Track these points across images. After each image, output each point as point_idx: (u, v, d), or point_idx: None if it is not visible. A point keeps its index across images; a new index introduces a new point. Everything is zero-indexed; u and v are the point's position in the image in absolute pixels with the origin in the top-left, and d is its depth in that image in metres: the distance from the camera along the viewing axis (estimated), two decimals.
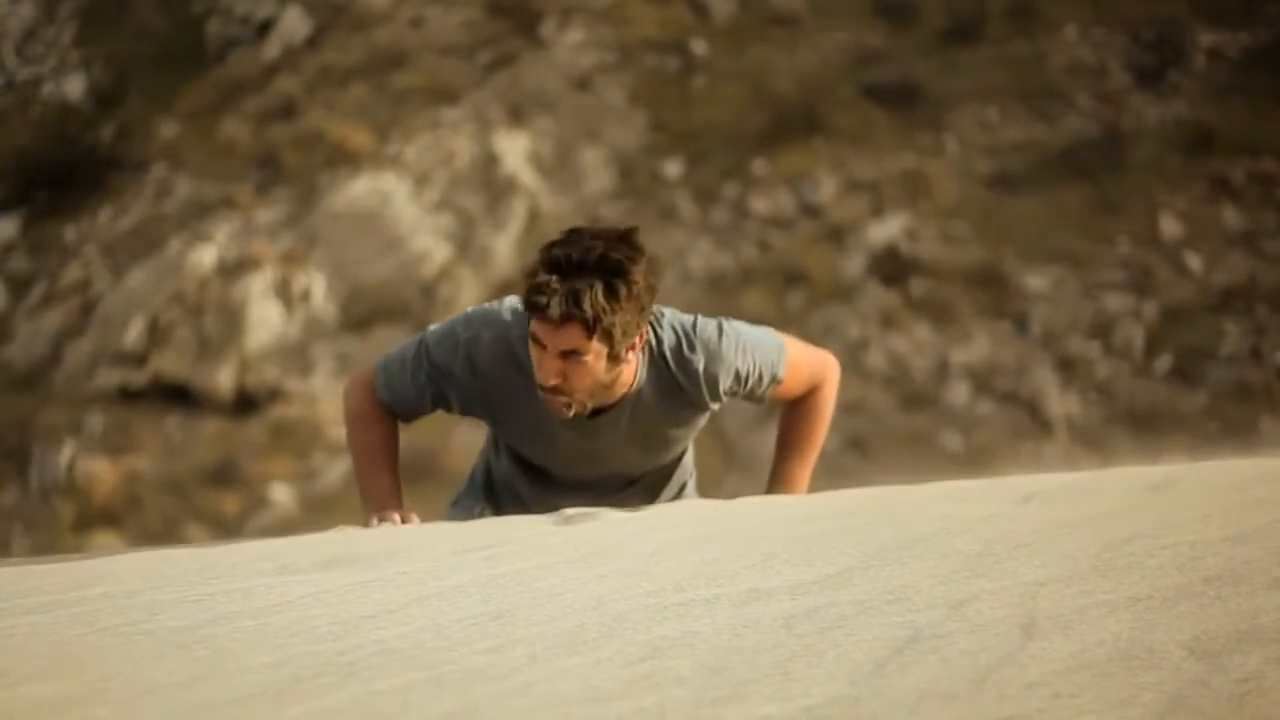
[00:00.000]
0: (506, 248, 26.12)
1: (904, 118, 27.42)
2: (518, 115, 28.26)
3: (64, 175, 28.98)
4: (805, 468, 4.65)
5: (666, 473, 4.60)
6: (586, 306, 3.99)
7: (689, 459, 4.69)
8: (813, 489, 4.65)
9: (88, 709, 2.42)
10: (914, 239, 26.07)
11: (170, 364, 26.11)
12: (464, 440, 20.33)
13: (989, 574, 3.00)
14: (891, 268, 25.76)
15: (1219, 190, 26.11)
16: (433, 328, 4.41)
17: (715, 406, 4.41)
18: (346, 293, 26.59)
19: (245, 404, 25.67)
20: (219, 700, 2.46)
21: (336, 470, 23.93)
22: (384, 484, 4.39)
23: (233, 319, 26.32)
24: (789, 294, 25.58)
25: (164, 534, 22.37)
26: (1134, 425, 23.61)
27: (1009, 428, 23.91)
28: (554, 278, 4.00)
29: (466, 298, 25.07)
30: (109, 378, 26.17)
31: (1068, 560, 3.06)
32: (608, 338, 4.05)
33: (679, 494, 4.66)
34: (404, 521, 4.28)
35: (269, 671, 2.61)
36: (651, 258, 4.11)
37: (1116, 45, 28.03)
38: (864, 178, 26.89)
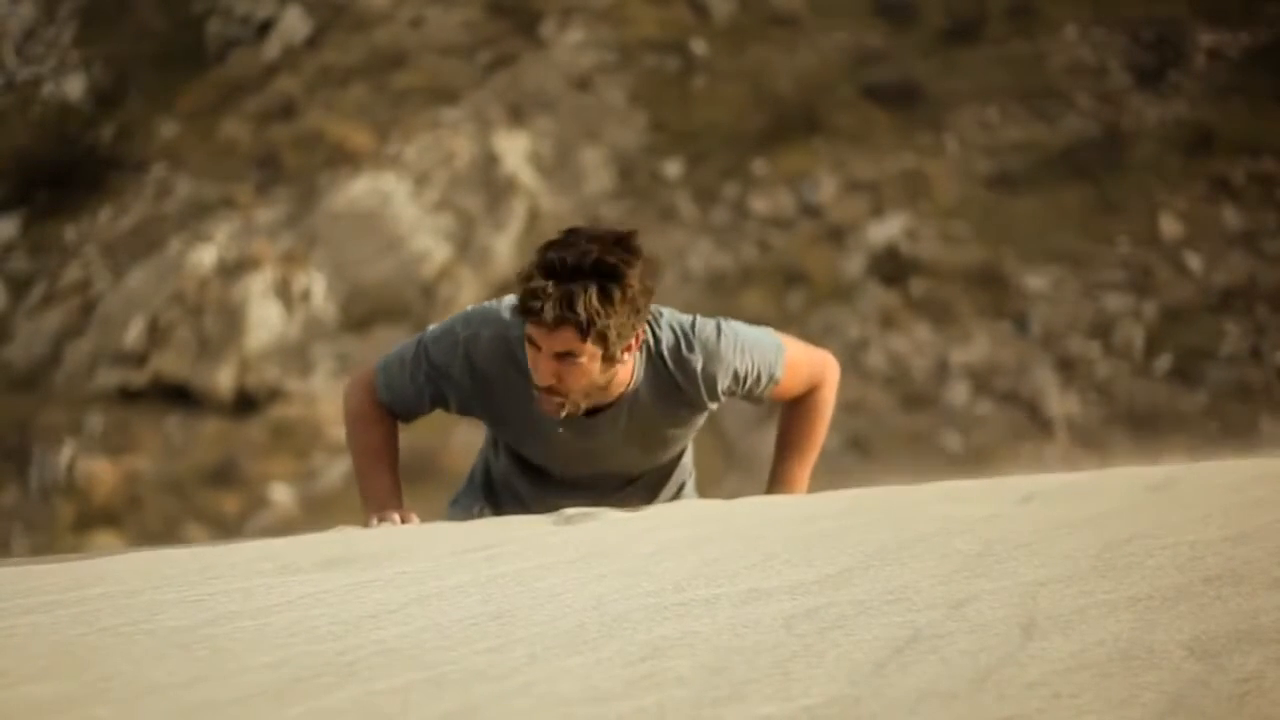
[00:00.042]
0: (506, 248, 26.13)
1: (904, 118, 27.42)
2: (518, 115, 28.27)
3: (64, 175, 28.98)
4: (805, 467, 4.65)
5: (665, 472, 4.60)
6: (580, 310, 4.00)
7: (688, 458, 4.69)
8: (813, 489, 4.65)
9: (88, 709, 2.42)
10: (914, 239, 26.07)
11: (170, 364, 26.12)
12: (464, 440, 20.33)
13: (989, 574, 3.00)
14: (891, 268, 25.77)
15: (1219, 190, 26.12)
16: (431, 327, 4.42)
17: (713, 406, 4.41)
18: (346, 293, 26.59)
19: (245, 404, 25.67)
20: (219, 700, 2.46)
21: (336, 470, 23.93)
22: (384, 484, 4.39)
23: (233, 319, 26.32)
24: (789, 294, 25.59)
25: (164, 534, 22.37)
26: (1134, 425, 23.61)
27: (1009, 428, 23.91)
28: (549, 282, 4.01)
29: (466, 298, 25.07)
30: (109, 378, 26.17)
31: (1068, 560, 3.06)
32: (602, 340, 4.06)
33: (678, 493, 4.66)
34: (404, 521, 4.28)
35: (269, 671, 2.61)
36: (648, 260, 4.11)
37: (1116, 45, 28.03)
38: (864, 178, 26.89)
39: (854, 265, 25.96)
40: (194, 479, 24.77)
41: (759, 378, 4.41)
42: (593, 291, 4.01)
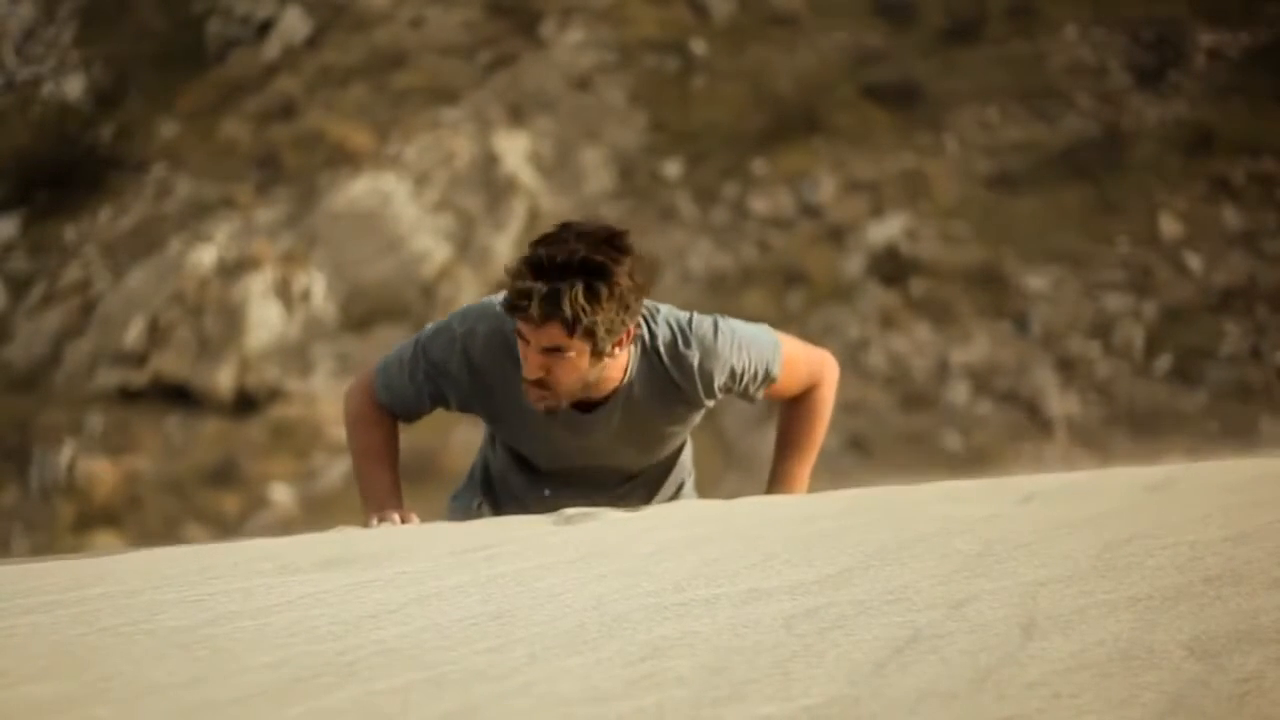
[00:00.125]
0: (506, 248, 26.13)
1: (904, 118, 27.42)
2: (518, 115, 28.27)
3: (64, 175, 28.98)
4: (805, 467, 4.65)
5: (663, 470, 4.59)
6: (566, 307, 4.02)
7: (687, 458, 4.68)
8: (813, 489, 4.64)
9: (88, 709, 2.42)
10: (914, 239, 26.07)
11: (170, 364, 26.12)
12: (464, 440, 20.33)
13: (989, 574, 3.00)
14: (891, 268, 25.76)
15: (1219, 190, 26.12)
16: (428, 326, 4.43)
17: (710, 404, 4.41)
18: (346, 293, 26.59)
19: (245, 404, 25.68)
20: (219, 700, 2.46)
21: (336, 470, 23.93)
22: (384, 484, 4.40)
23: (233, 319, 26.32)
24: (789, 294, 25.59)
25: (164, 534, 22.37)
26: (1134, 425, 23.61)
27: (1009, 428, 23.91)
28: (536, 280, 4.03)
29: (466, 298, 25.07)
30: (109, 378, 26.17)
31: (1068, 560, 3.06)
32: (590, 336, 4.08)
33: (677, 493, 4.66)
34: (404, 521, 4.29)
35: (269, 671, 2.61)
36: (640, 256, 4.13)
37: (1116, 45, 28.03)
38: (864, 178, 26.89)
39: (854, 265, 25.96)
40: (194, 479, 24.77)
41: (756, 375, 4.41)
42: (579, 289, 4.03)
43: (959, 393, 24.36)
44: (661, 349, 4.32)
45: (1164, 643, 2.53)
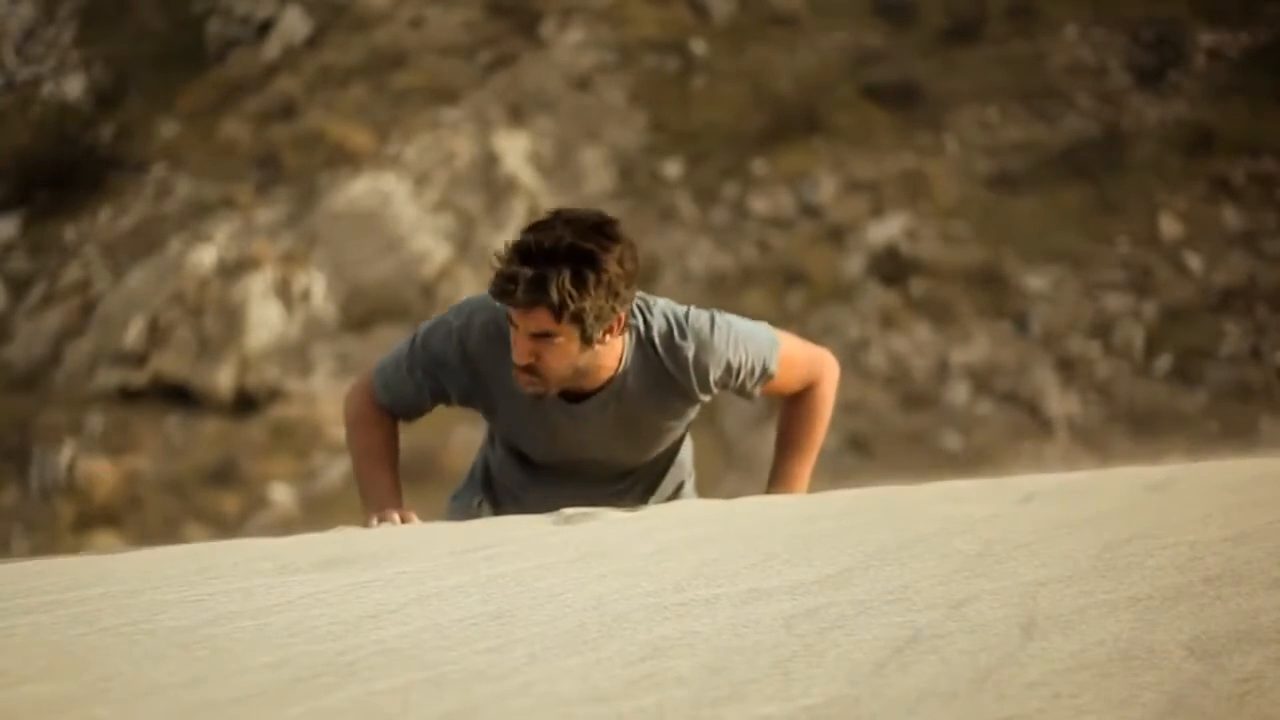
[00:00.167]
0: None
1: (904, 118, 27.42)
2: (518, 115, 28.27)
3: (64, 175, 28.98)
4: (805, 467, 4.64)
5: (661, 469, 4.58)
6: (552, 292, 4.04)
7: (687, 459, 4.68)
8: (813, 489, 4.64)
9: (88, 709, 2.42)
10: (914, 239, 26.07)
11: (170, 364, 26.12)
12: (464, 439, 20.34)
13: (989, 574, 3.00)
14: (891, 268, 25.77)
15: (1219, 190, 26.12)
16: (425, 324, 4.45)
17: (705, 398, 4.40)
18: (346, 293, 26.60)
19: (245, 404, 25.68)
20: (219, 700, 2.46)
21: (336, 470, 23.94)
22: (384, 484, 4.40)
23: (233, 319, 26.33)
24: (789, 294, 25.59)
25: (164, 534, 22.37)
26: (1134, 425, 23.61)
27: (1009, 428, 23.91)
28: (523, 265, 4.05)
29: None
30: (109, 378, 26.18)
31: (1068, 560, 3.06)
32: (577, 322, 4.09)
33: (676, 493, 4.65)
34: (404, 521, 4.29)
35: (269, 671, 2.61)
36: (629, 244, 4.14)
37: (1116, 45, 28.03)
38: (864, 178, 26.89)
39: (854, 265, 25.97)
40: (194, 479, 24.78)
41: (753, 370, 4.41)
42: (566, 275, 4.04)
43: (959, 393, 24.36)
44: (657, 340, 4.32)
45: (1164, 643, 2.53)
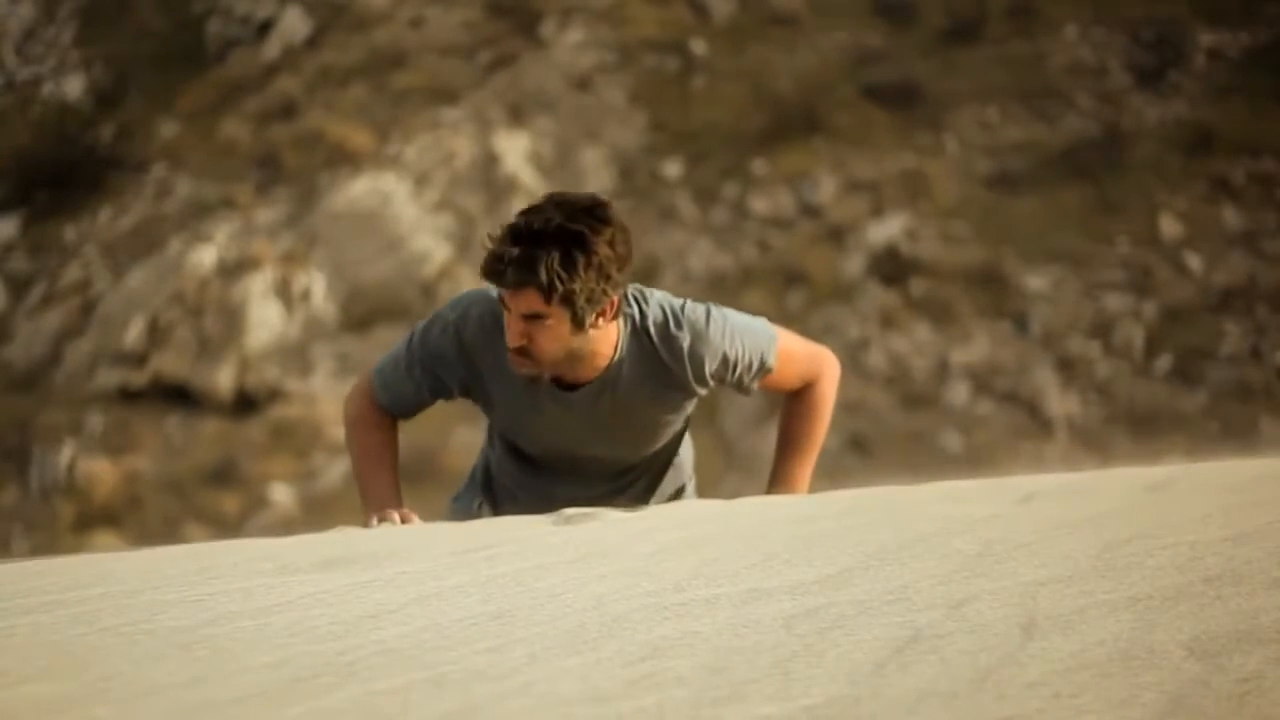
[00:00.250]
0: None
1: (904, 118, 27.42)
2: (518, 115, 28.27)
3: (64, 175, 28.98)
4: (806, 466, 4.63)
5: (660, 468, 4.57)
6: (541, 273, 4.06)
7: (687, 461, 4.67)
8: (813, 489, 4.64)
9: (88, 709, 2.42)
10: (914, 239, 26.07)
11: (170, 364, 26.12)
12: (464, 440, 20.34)
13: (989, 574, 3.00)
14: (891, 268, 25.77)
15: (1219, 190, 26.12)
16: (421, 322, 4.46)
17: (702, 391, 4.39)
18: (346, 293, 26.60)
19: (245, 404, 25.68)
20: (219, 700, 2.46)
21: (336, 470, 23.93)
22: (384, 485, 4.41)
23: (233, 319, 26.33)
24: (789, 294, 25.59)
25: (164, 534, 22.37)
26: (1134, 425, 23.61)
27: (1009, 428, 23.91)
28: (513, 246, 4.07)
29: None
30: (109, 378, 26.18)
31: (1068, 560, 3.06)
32: (568, 304, 4.10)
33: (677, 497, 4.64)
34: (404, 521, 4.29)
35: (269, 671, 2.61)
36: (622, 227, 4.15)
37: (1116, 45, 28.03)
38: (864, 178, 26.89)
39: (854, 265, 25.97)
40: (194, 479, 24.78)
41: (750, 365, 4.40)
42: (555, 256, 4.06)
43: (959, 393, 24.36)
44: (652, 329, 4.32)
45: (1164, 643, 2.53)
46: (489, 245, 4.15)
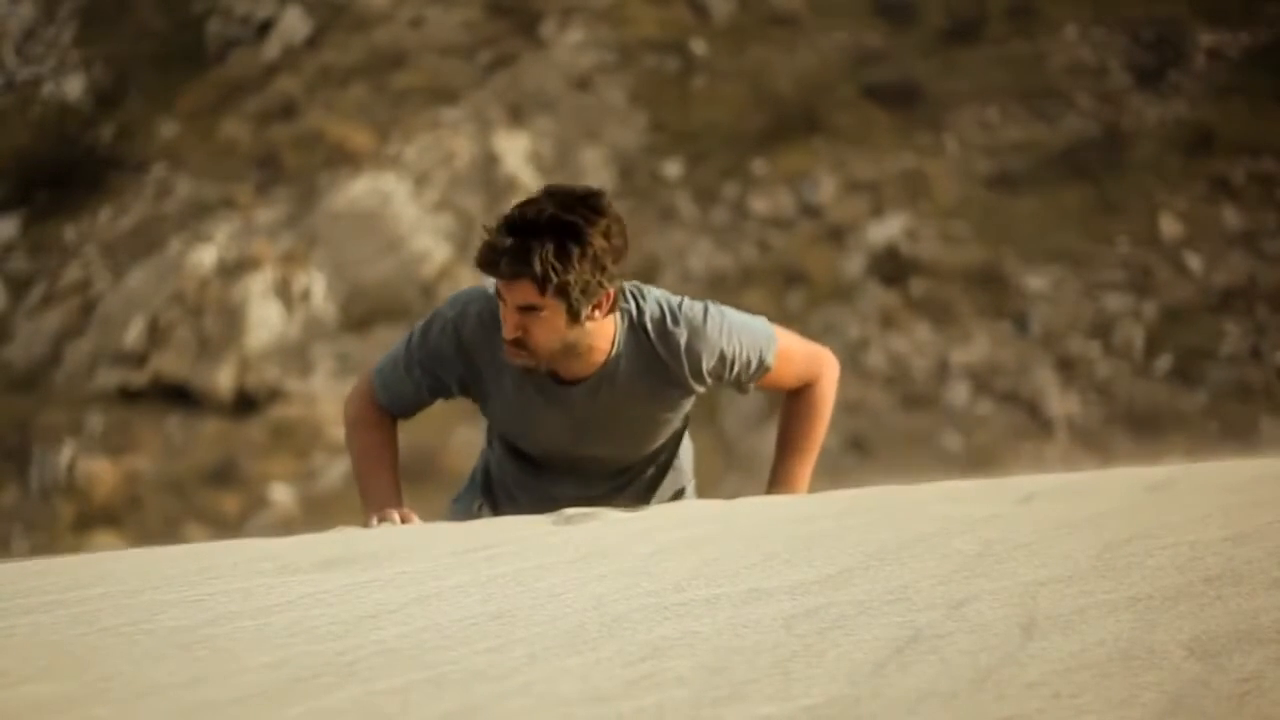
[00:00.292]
0: None
1: (904, 118, 27.42)
2: (518, 115, 28.27)
3: (64, 175, 28.99)
4: (805, 466, 4.63)
5: (659, 470, 4.57)
6: (535, 264, 4.06)
7: (687, 465, 4.66)
8: (813, 489, 4.63)
9: (88, 709, 2.42)
10: (914, 239, 26.07)
11: (170, 364, 26.12)
12: (464, 440, 20.34)
13: (989, 574, 3.00)
14: (891, 268, 25.77)
15: (1219, 190, 26.12)
16: (420, 321, 4.46)
17: (699, 388, 4.38)
18: (346, 293, 26.60)
19: (245, 404, 25.68)
20: (219, 700, 2.46)
21: (336, 470, 23.94)
22: (384, 485, 4.41)
23: (233, 319, 26.33)
24: (789, 294, 25.59)
25: (164, 534, 22.38)
26: (1134, 425, 23.61)
27: (1009, 428, 23.91)
28: (508, 237, 4.08)
29: None
30: (109, 378, 26.18)
31: (1068, 560, 3.06)
32: (562, 295, 4.10)
33: (676, 499, 4.64)
34: (404, 521, 4.28)
35: (269, 671, 2.61)
36: (618, 219, 4.16)
37: (1116, 45, 28.04)
38: (864, 178, 26.90)
39: (854, 265, 25.97)
40: (194, 479, 24.78)
41: (749, 363, 4.39)
42: (549, 247, 4.07)
43: (959, 393, 24.36)
44: (649, 325, 4.32)
45: (1164, 643, 2.53)
46: (485, 236, 4.16)
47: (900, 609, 2.80)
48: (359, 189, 27.42)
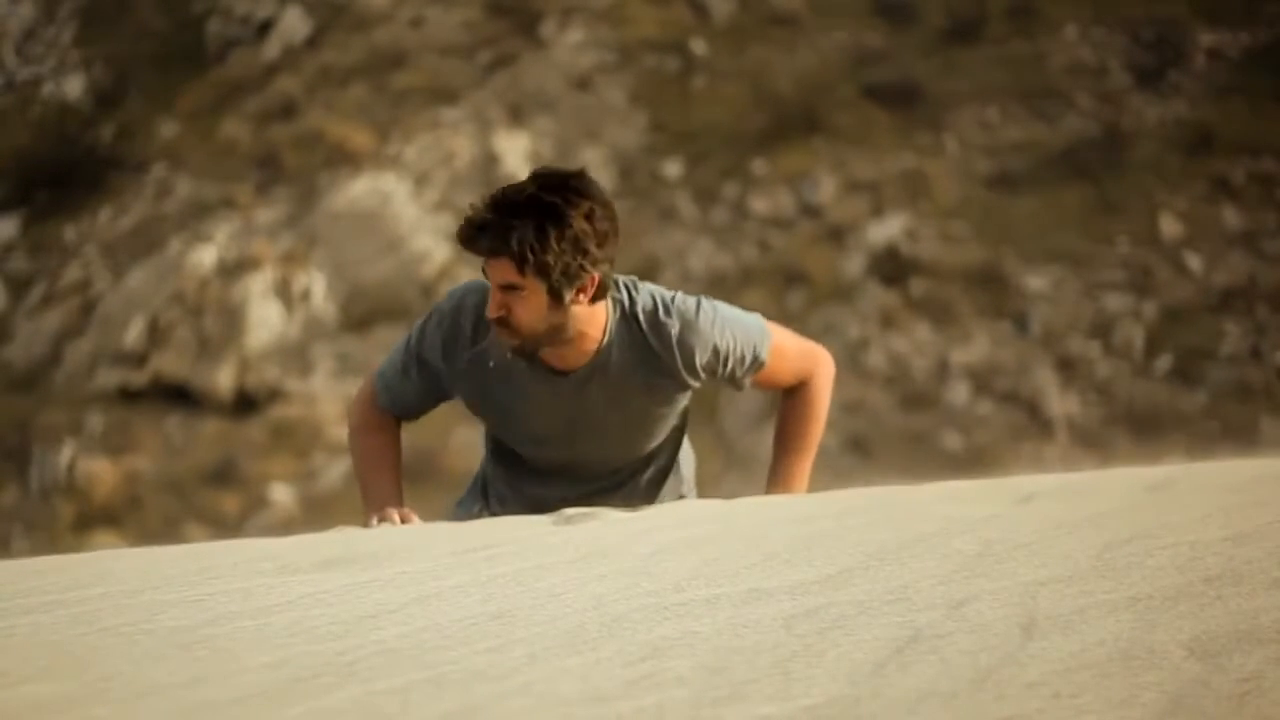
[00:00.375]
0: None
1: (904, 118, 27.42)
2: (518, 115, 28.27)
3: (64, 175, 28.99)
4: (803, 465, 4.62)
5: (657, 475, 4.56)
6: (514, 243, 4.09)
7: (688, 471, 4.65)
8: (813, 489, 4.63)
9: (88, 709, 2.42)
10: (914, 239, 26.07)
11: (170, 364, 26.12)
12: (464, 440, 20.34)
13: (989, 574, 3.00)
14: (891, 268, 25.77)
15: (1219, 190, 26.12)
16: (419, 321, 4.47)
17: (694, 383, 4.37)
18: (346, 293, 26.60)
19: (245, 404, 25.68)
20: (219, 700, 2.46)
21: (336, 470, 23.94)
22: (384, 486, 4.41)
23: (233, 319, 26.33)
24: (789, 294, 25.59)
25: (164, 534, 22.38)
26: (1134, 425, 23.61)
27: (1009, 428, 23.91)
28: (489, 215, 4.10)
29: None
30: (109, 378, 26.18)
31: (1068, 560, 3.06)
32: (542, 275, 4.11)
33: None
34: (403, 521, 4.28)
35: (269, 671, 2.61)
36: (604, 203, 4.17)
37: (1116, 45, 28.04)
38: (864, 178, 26.90)
39: (854, 265, 25.97)
40: (194, 479, 24.78)
41: (742, 358, 4.39)
42: (529, 227, 4.09)
43: (959, 393, 24.36)
44: (641, 315, 4.32)
45: (1164, 643, 2.52)
46: (468, 213, 4.19)
47: (900, 609, 2.80)
48: (359, 189, 27.42)
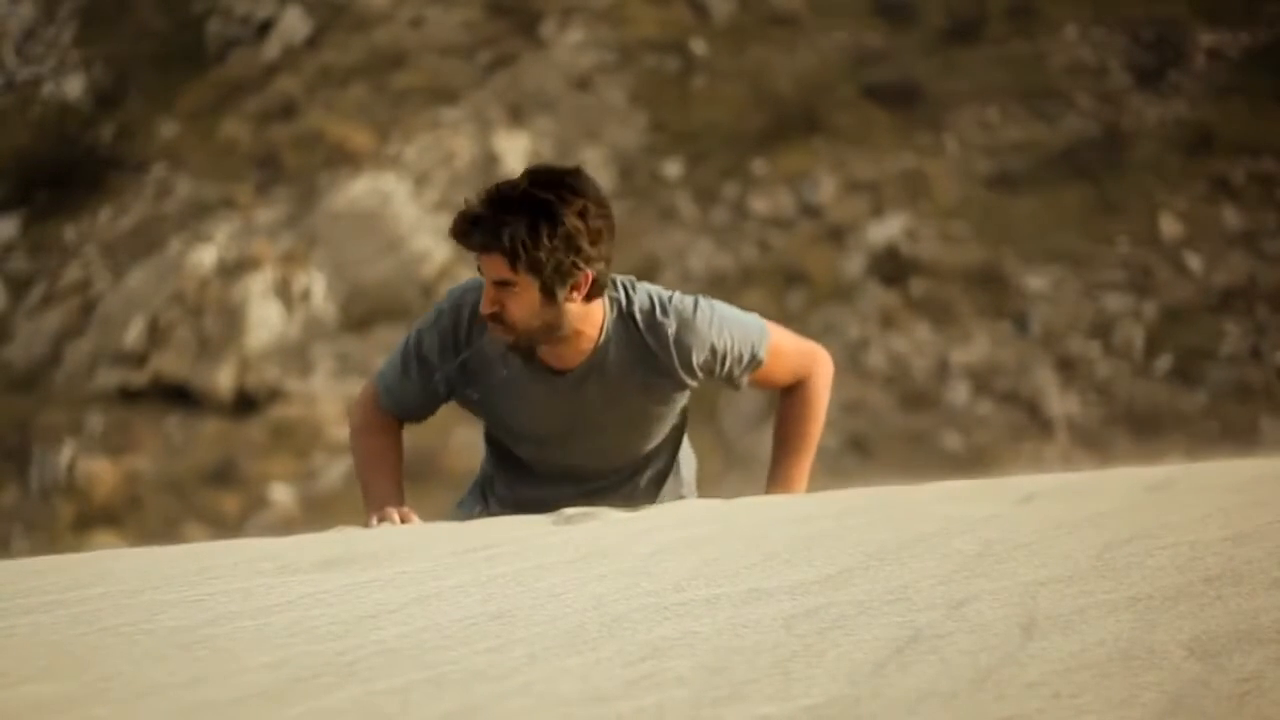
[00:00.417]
0: None
1: (904, 118, 27.42)
2: (518, 115, 28.27)
3: (64, 175, 28.99)
4: (803, 465, 4.62)
5: (657, 476, 4.55)
6: (505, 238, 4.11)
7: (689, 473, 4.64)
8: (812, 489, 4.63)
9: (88, 709, 2.42)
10: (914, 239, 26.07)
11: (170, 364, 26.12)
12: (464, 440, 20.33)
13: (989, 574, 3.00)
14: (891, 268, 25.77)
15: (1219, 190, 26.12)
16: (418, 321, 4.48)
17: (692, 383, 4.37)
18: (346, 293, 26.60)
19: (245, 404, 25.68)
20: (219, 700, 2.46)
21: (336, 470, 23.93)
22: (385, 486, 4.40)
23: (233, 319, 26.33)
24: (789, 294, 25.59)
25: (164, 534, 22.38)
26: (1134, 425, 23.61)
27: (1009, 428, 23.91)
28: (482, 209, 4.10)
29: None
30: (109, 378, 26.18)
31: (1068, 560, 3.06)
32: (534, 271, 4.12)
33: None
34: (403, 521, 4.28)
35: (269, 671, 2.61)
36: (599, 201, 4.18)
37: (1116, 45, 28.03)
38: (864, 178, 26.90)
39: (854, 265, 25.97)
40: (194, 479, 24.78)
41: (740, 357, 4.38)
42: (521, 223, 4.10)
43: (959, 393, 24.36)
44: (638, 314, 4.32)
45: (1164, 643, 2.52)
46: (462, 207, 4.21)
47: (900, 609, 2.80)
48: (359, 189, 27.42)
